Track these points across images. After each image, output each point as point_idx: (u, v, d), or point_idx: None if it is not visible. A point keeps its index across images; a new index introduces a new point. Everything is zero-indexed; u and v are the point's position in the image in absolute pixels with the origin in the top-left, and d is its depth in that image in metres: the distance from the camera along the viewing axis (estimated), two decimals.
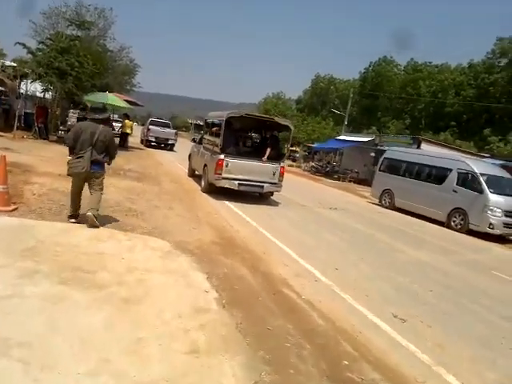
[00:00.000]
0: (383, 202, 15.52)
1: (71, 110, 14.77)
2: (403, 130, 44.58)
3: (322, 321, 4.18)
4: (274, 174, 10.75)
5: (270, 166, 10.77)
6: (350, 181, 25.87)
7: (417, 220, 13.39)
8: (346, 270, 6.15)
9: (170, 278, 4.43)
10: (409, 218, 13.70)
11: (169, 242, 5.87)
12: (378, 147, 26.38)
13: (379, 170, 16.25)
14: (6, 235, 4.83)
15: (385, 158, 16.22)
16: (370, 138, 28.52)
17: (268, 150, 11.01)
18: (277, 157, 11.20)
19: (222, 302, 4.08)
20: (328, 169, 28.86)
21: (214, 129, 12.27)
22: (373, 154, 26.70)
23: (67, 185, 8.07)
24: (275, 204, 11.57)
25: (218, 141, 10.65)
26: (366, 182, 25.16)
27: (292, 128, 11.58)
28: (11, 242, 4.61)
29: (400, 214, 14.24)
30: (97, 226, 5.77)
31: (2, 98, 21.34)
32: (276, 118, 11.88)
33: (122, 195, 8.70)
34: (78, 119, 13.62)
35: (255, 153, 11.62)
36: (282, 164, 10.99)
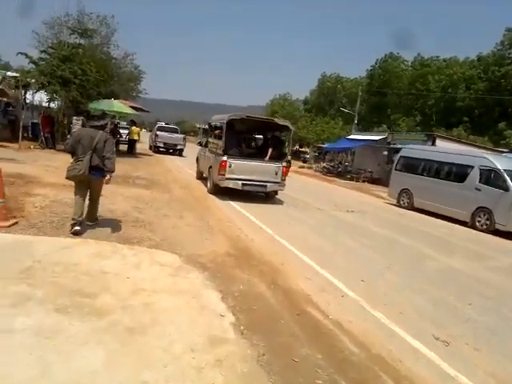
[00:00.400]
0: (401, 202, 14.89)
1: (74, 118, 14.50)
2: (414, 127, 43.68)
3: (354, 347, 3.64)
4: (276, 174, 11.00)
5: (272, 166, 11.00)
6: (363, 181, 25.23)
7: (439, 221, 12.74)
8: (374, 282, 5.60)
9: (180, 300, 3.94)
10: (430, 218, 13.05)
11: (179, 255, 5.40)
12: (391, 145, 25.76)
13: (395, 169, 15.61)
14: (0, 254, 4.40)
15: (401, 156, 15.59)
16: (382, 137, 27.85)
17: (269, 151, 11.34)
18: (279, 156, 11.43)
19: (240, 327, 3.58)
20: (340, 169, 28.26)
21: (217, 131, 12.54)
22: (386, 153, 26.11)
23: (71, 195, 7.62)
24: (290, 208, 11.09)
25: (221, 143, 10.97)
26: (380, 181, 24.55)
27: (291, 128, 11.81)
28: (5, 263, 4.18)
29: (420, 214, 13.60)
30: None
31: (9, 109, 21.25)
32: (275, 119, 12.16)
33: (130, 204, 8.28)
34: (83, 125, 13.38)
35: (258, 153, 11.96)
36: (284, 163, 11.18)
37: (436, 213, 13.30)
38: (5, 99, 19.01)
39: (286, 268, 5.64)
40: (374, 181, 25.20)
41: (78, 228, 5.62)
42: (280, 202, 11.73)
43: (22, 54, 16.82)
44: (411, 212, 13.95)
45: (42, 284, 3.80)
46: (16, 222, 5.62)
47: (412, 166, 14.86)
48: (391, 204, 15.60)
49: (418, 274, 6.42)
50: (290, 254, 6.47)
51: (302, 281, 5.19)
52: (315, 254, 6.50)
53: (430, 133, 26.21)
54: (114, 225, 6.40)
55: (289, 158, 21.91)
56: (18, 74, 17.45)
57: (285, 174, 11.14)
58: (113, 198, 8.31)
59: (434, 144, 22.43)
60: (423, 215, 13.47)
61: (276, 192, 11.80)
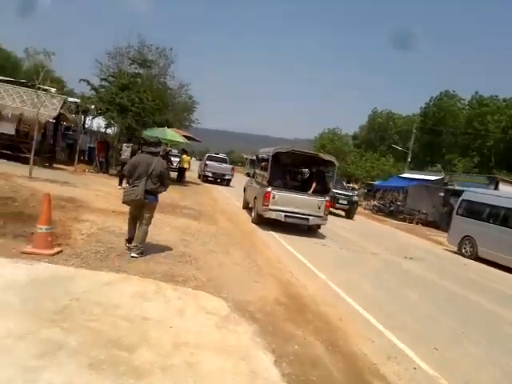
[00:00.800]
0: (463, 250, 13.60)
1: (124, 144, 14.71)
2: (472, 169, 41.47)
3: None
4: (319, 208, 11.03)
5: (316, 200, 11.07)
6: (417, 222, 23.77)
7: (510, 275, 11.40)
8: (449, 351, 4.77)
9: (227, 362, 3.39)
10: (499, 272, 11.67)
11: (226, 300, 4.88)
12: (448, 186, 24.36)
13: (457, 214, 14.42)
14: (39, 289, 4.08)
15: (463, 200, 14.42)
16: (437, 177, 26.46)
17: (314, 185, 11.52)
18: (323, 191, 11.53)
19: None
20: (392, 208, 26.95)
21: (264, 163, 12.99)
22: (442, 194, 24.68)
23: (120, 223, 7.53)
24: (342, 250, 10.39)
25: (267, 174, 11.39)
26: (435, 224, 23.11)
27: (336, 164, 11.97)
28: (42, 300, 3.84)
29: (486, 266, 12.26)
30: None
31: (69, 133, 22.26)
32: (320, 154, 12.43)
33: (177, 236, 7.97)
34: (132, 152, 13.63)
35: (302, 187, 12.15)
36: (327, 198, 11.23)
37: (505, 265, 11.97)
38: (65, 123, 19.85)
39: (345, 325, 4.97)
40: (428, 223, 23.72)
41: (130, 245, 6.03)
42: (332, 242, 11.06)
43: (84, 80, 17.69)
44: (475, 263, 12.65)
45: (77, 329, 3.40)
46: (60, 251, 5.38)
47: (476, 211, 13.66)
48: (451, 251, 14.34)
49: (499, 344, 5.49)
50: (348, 306, 5.79)
51: (365, 343, 4.50)
52: (376, 309, 5.78)
53: (492, 175, 24.61)
54: (160, 259, 6.06)
55: (356, 198, 20.54)
56: (78, 100, 18.22)
57: (327, 208, 11.15)
58: (160, 228, 8.03)
59: (496, 188, 20.93)
60: (490, 267, 12.14)
61: (319, 226, 11.84)
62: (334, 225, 15.48)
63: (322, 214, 11.09)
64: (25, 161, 12.90)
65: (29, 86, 14.83)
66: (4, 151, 14.36)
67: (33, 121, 13.49)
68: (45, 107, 13.84)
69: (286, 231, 11.08)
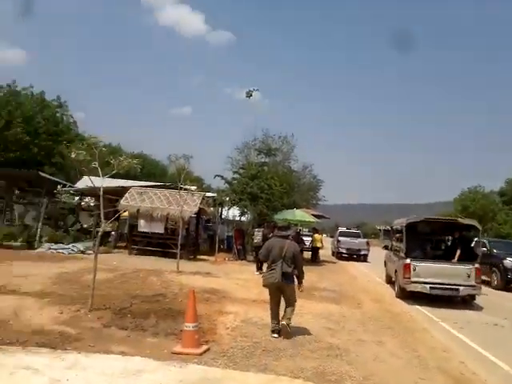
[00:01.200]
0: None
1: (256, 229, 15.27)
2: None
3: None
4: (468, 276, 10.28)
5: (463, 268, 10.42)
6: None
7: None
8: None
9: None
10: None
11: None
12: None
13: None
14: None
15: None
16: None
17: (458, 252, 10.96)
18: (470, 258, 10.75)
19: None
20: None
21: (398, 235, 12.95)
22: None
23: (261, 314, 7.38)
24: None
25: (403, 246, 11.18)
26: None
27: (479, 228, 11.24)
28: None
29: None
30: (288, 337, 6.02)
31: (209, 224, 24.17)
32: (459, 219, 12.19)
33: (320, 324, 7.47)
34: (263, 236, 14.10)
35: (445, 255, 11.61)
36: (476, 265, 10.41)
37: None
38: (204, 216, 21.61)
39: None
40: None
41: (276, 335, 6.16)
42: (502, 320, 9.28)
43: (218, 176, 19.54)
44: None
45: None
46: (208, 349, 5.31)
47: None
48: None
49: None
50: None
51: None
52: None
53: None
54: (307, 352, 5.61)
55: None
56: (214, 194, 19.94)
57: (478, 276, 10.38)
58: (301, 316, 7.64)
59: None
60: None
61: (473, 297, 10.87)
62: (495, 295, 13.41)
63: (473, 283, 10.25)
64: (172, 255, 14.03)
65: (173, 188, 16.72)
66: (155, 249, 15.98)
67: (178, 218, 14.92)
68: (187, 205, 15.30)
69: (438, 306, 10.07)
